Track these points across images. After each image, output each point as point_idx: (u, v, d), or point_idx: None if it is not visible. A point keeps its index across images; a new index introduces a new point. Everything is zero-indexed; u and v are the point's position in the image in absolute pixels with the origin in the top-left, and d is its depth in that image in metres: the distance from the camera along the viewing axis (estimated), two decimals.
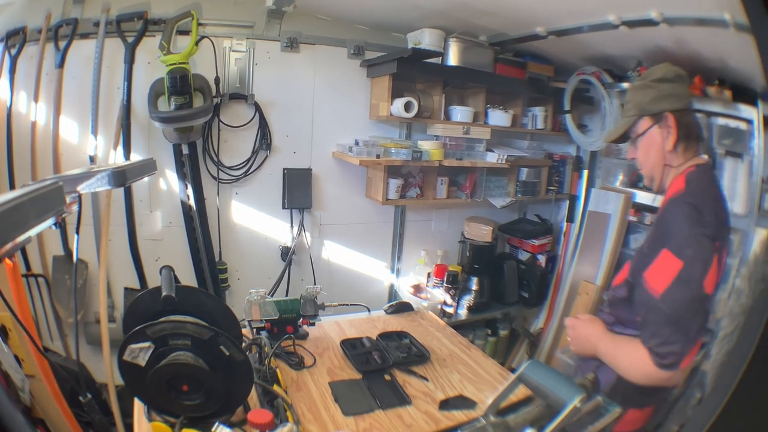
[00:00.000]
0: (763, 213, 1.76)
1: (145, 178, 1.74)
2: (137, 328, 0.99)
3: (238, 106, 2.27)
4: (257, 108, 2.28)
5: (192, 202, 2.23)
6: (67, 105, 2.04)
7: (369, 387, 1.29)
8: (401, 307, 1.89)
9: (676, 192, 1.08)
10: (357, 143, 2.32)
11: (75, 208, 0.96)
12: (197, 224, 2.26)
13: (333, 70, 2.39)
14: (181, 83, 1.98)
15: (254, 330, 1.46)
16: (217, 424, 0.91)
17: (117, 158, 2.08)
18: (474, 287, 2.62)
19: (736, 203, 1.92)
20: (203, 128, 2.19)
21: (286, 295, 2.42)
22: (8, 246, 0.61)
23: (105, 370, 1.97)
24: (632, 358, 1.05)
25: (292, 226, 2.45)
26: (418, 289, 2.65)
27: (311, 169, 2.44)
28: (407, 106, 2.24)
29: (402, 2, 2.09)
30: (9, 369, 1.35)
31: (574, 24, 2.03)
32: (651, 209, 2.30)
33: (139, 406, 1.12)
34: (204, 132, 2.21)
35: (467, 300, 2.59)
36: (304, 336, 1.55)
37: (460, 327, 2.36)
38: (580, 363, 1.25)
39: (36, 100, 2.02)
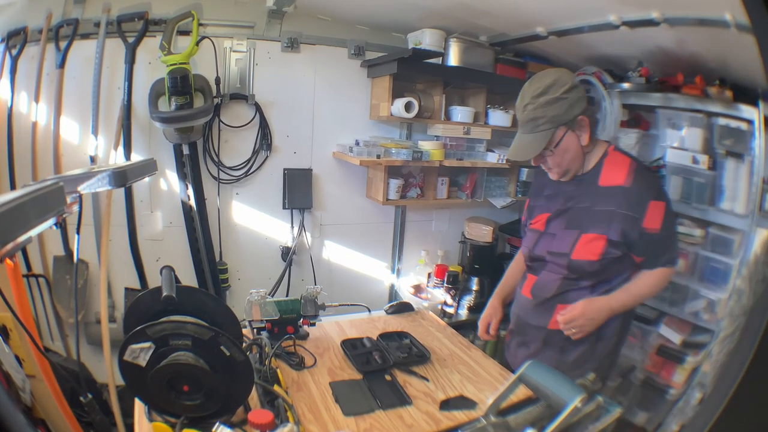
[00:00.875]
0: (763, 213, 1.76)
1: (146, 179, 1.74)
2: (138, 328, 0.99)
3: (238, 107, 2.27)
4: (258, 108, 2.28)
5: (192, 202, 2.23)
6: (67, 105, 2.04)
7: (369, 387, 1.29)
8: (402, 308, 1.89)
9: (630, 165, 1.31)
10: (357, 143, 2.32)
11: (76, 208, 0.96)
12: (198, 224, 2.26)
13: (333, 71, 2.39)
14: (181, 83, 1.98)
15: (255, 330, 1.46)
16: (217, 424, 0.91)
17: (117, 158, 2.08)
18: (474, 287, 2.62)
19: (737, 204, 1.92)
20: (204, 128, 2.19)
21: (287, 296, 2.42)
22: (9, 246, 0.61)
23: (105, 370, 1.97)
24: (651, 283, 1.33)
25: (292, 227, 2.45)
26: (418, 290, 2.65)
27: (311, 170, 2.45)
28: (408, 107, 2.24)
29: (402, 2, 2.08)
30: (10, 369, 1.35)
31: (574, 24, 2.03)
32: None
33: (139, 406, 1.12)
34: (204, 132, 2.21)
35: (468, 300, 2.59)
36: (305, 336, 1.55)
37: (460, 327, 2.35)
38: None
39: (37, 100, 2.02)
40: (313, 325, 1.55)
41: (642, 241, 1.28)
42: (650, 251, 1.30)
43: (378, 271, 2.72)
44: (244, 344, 1.31)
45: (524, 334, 1.50)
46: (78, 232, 1.30)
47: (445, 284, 2.55)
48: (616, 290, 1.34)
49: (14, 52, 2.01)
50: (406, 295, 2.61)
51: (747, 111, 1.84)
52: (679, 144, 2.14)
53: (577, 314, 1.31)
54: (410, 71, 2.24)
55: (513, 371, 1.23)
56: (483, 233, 2.68)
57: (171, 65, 1.97)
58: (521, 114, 1.31)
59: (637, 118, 2.47)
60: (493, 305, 1.60)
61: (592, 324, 1.32)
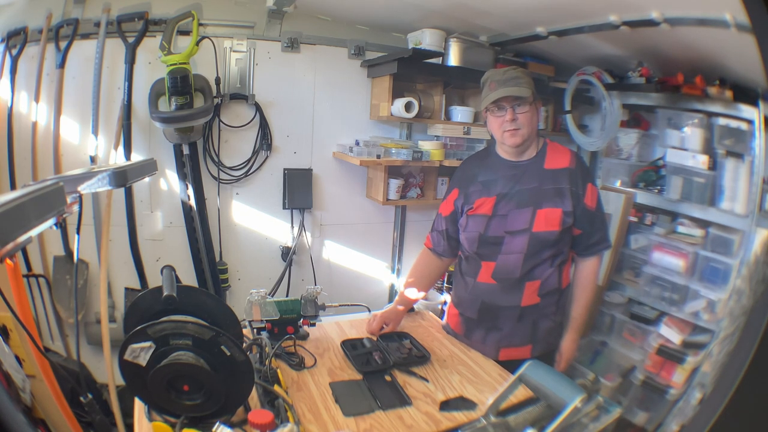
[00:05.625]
0: (763, 213, 1.76)
1: (146, 179, 1.74)
2: (138, 327, 0.99)
3: (238, 107, 2.27)
4: (258, 108, 2.28)
5: (192, 202, 2.23)
6: (67, 105, 2.04)
7: (369, 387, 1.29)
8: None
9: (570, 153, 1.51)
10: (357, 143, 2.32)
11: (76, 208, 0.96)
12: (198, 224, 2.26)
13: (333, 71, 2.39)
14: (181, 83, 1.98)
15: (255, 330, 1.46)
16: (217, 424, 0.91)
17: (118, 158, 2.08)
18: None
19: (737, 204, 1.92)
20: (204, 128, 2.19)
21: (287, 296, 2.42)
22: (9, 246, 0.61)
23: (106, 370, 1.97)
24: (594, 272, 1.54)
25: (292, 227, 2.45)
26: None
27: (312, 170, 2.44)
28: (408, 107, 2.24)
29: (402, 2, 2.08)
30: (10, 369, 1.35)
31: (574, 24, 2.03)
32: (651, 209, 2.31)
33: (139, 406, 1.12)
34: (204, 132, 2.21)
35: None
36: (305, 336, 1.55)
37: None
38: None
39: (37, 100, 2.02)
40: (313, 325, 1.55)
41: (584, 215, 1.48)
42: (588, 225, 1.50)
43: (378, 271, 2.72)
44: (244, 344, 1.31)
45: (494, 318, 1.53)
46: (78, 232, 1.29)
47: (445, 284, 2.55)
48: (570, 313, 1.54)
49: (14, 52, 2.01)
50: None
51: (747, 111, 1.84)
52: (679, 144, 2.14)
53: (571, 356, 1.54)
54: (410, 71, 2.24)
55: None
56: None
57: (171, 65, 1.97)
58: (502, 76, 1.44)
59: (637, 118, 2.47)
60: (397, 312, 1.65)
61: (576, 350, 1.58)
